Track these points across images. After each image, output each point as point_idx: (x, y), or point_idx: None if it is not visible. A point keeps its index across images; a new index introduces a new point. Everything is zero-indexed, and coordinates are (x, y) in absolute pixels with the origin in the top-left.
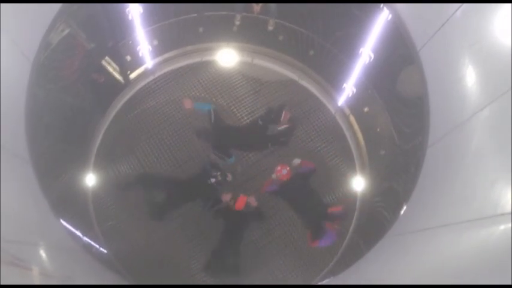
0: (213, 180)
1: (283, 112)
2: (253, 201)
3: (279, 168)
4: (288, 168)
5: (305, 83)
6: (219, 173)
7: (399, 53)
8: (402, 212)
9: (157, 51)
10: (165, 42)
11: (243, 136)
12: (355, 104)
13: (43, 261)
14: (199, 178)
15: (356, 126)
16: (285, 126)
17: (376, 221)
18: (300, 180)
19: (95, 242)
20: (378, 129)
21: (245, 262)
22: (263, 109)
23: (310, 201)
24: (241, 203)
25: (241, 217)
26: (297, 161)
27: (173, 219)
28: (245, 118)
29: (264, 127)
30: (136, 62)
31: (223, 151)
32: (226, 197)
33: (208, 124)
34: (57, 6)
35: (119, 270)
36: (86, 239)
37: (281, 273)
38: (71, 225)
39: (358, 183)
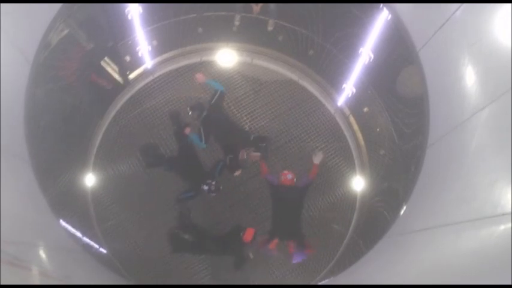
0: (205, 187)
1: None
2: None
3: (286, 171)
4: (293, 176)
5: (305, 83)
6: (213, 182)
7: (399, 53)
8: (402, 212)
9: (157, 51)
10: (164, 43)
11: (228, 132)
12: (355, 104)
13: (43, 261)
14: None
15: (356, 126)
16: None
17: (376, 221)
18: (296, 192)
19: (94, 242)
20: (378, 129)
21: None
22: (290, 113)
23: (292, 216)
24: (248, 235)
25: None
26: (320, 156)
27: (173, 219)
28: (244, 118)
29: (248, 143)
30: (136, 62)
31: (204, 133)
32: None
33: (205, 103)
34: (56, 6)
35: (119, 270)
36: (85, 239)
37: (281, 273)
38: (71, 225)
39: (358, 183)
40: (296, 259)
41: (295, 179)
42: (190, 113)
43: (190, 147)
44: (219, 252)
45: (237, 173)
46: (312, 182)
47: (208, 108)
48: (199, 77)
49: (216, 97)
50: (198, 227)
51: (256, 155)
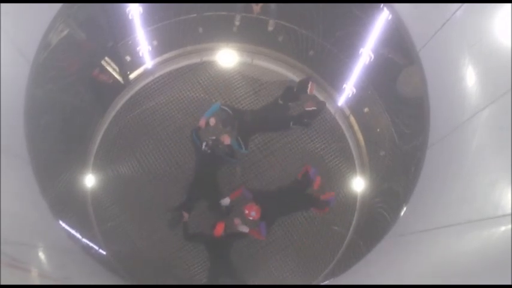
0: (204, 145)
1: (310, 83)
2: (239, 224)
3: (246, 212)
4: (254, 207)
5: None
6: (210, 138)
7: (399, 53)
8: (402, 212)
9: (157, 51)
10: (164, 43)
11: (264, 118)
12: (355, 104)
13: (42, 262)
14: (198, 156)
15: (356, 127)
16: (312, 108)
17: (377, 221)
18: (264, 197)
19: (94, 243)
20: (378, 130)
21: (245, 262)
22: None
23: (289, 196)
24: (219, 229)
25: (220, 241)
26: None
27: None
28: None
29: (285, 106)
30: (136, 62)
31: (245, 139)
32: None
33: (229, 115)
34: (56, 6)
35: (118, 271)
36: (84, 240)
37: (281, 273)
38: (70, 226)
39: (358, 184)
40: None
41: (257, 213)
42: (225, 128)
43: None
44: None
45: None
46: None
47: (237, 116)
48: (202, 122)
49: (227, 109)
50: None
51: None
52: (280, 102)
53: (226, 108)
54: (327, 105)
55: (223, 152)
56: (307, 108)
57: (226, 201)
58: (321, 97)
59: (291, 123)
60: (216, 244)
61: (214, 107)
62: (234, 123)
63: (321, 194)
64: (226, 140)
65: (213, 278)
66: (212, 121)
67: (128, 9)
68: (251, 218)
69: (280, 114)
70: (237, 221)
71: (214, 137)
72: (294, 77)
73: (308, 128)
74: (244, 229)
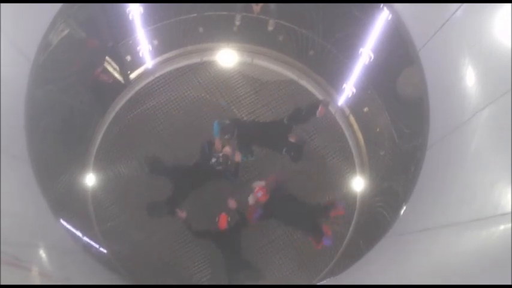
0: (213, 160)
1: (320, 107)
2: (232, 204)
3: (256, 189)
4: (264, 189)
5: (305, 83)
6: (220, 155)
7: (399, 53)
8: (402, 212)
9: (158, 51)
10: (165, 42)
11: (265, 132)
12: (355, 104)
13: (43, 261)
14: (201, 162)
15: (356, 126)
16: (294, 140)
17: (376, 221)
18: (279, 194)
19: (94, 242)
20: (378, 130)
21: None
22: (288, 108)
23: (299, 208)
24: (223, 221)
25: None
26: (258, 183)
27: (173, 220)
28: (245, 118)
29: (288, 127)
30: (137, 62)
31: (246, 147)
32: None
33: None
34: (57, 6)
35: (119, 271)
36: (85, 239)
37: (281, 273)
38: (71, 225)
39: (358, 184)
40: (327, 242)
41: (266, 192)
42: (226, 136)
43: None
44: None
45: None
46: (280, 180)
47: (238, 124)
48: (217, 145)
49: (227, 122)
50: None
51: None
52: (285, 122)
53: (223, 122)
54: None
55: (229, 171)
56: (290, 139)
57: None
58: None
59: (284, 150)
60: (225, 238)
61: (216, 128)
62: (234, 131)
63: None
64: (237, 156)
65: (233, 274)
66: (227, 150)
67: (128, 9)
68: (256, 197)
69: (280, 134)
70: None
71: (221, 154)
72: (294, 76)
73: (295, 162)
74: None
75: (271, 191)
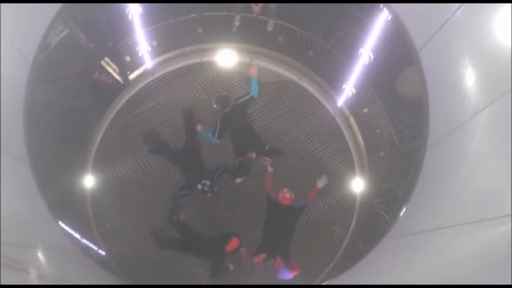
0: (199, 187)
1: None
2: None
3: (286, 190)
4: (292, 195)
5: (304, 83)
6: (208, 183)
7: (399, 53)
8: (402, 213)
9: (157, 51)
10: (164, 43)
11: (244, 135)
12: (355, 105)
13: (41, 263)
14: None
15: (355, 127)
16: (250, 157)
17: (376, 222)
18: (292, 212)
19: (93, 244)
20: (378, 131)
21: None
22: (290, 114)
23: (283, 236)
24: (232, 246)
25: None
26: (324, 181)
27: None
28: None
29: (263, 152)
30: (136, 63)
31: (220, 129)
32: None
33: (231, 99)
34: (56, 6)
35: (117, 272)
36: (84, 241)
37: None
38: (69, 227)
39: (358, 185)
40: (281, 276)
41: (293, 198)
42: (214, 105)
43: (197, 145)
44: (200, 255)
45: (239, 180)
46: (308, 204)
47: (233, 106)
48: (253, 70)
49: (244, 99)
50: (186, 226)
51: (268, 160)
52: (266, 148)
53: (245, 98)
54: (327, 106)
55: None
56: (248, 155)
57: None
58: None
59: (238, 160)
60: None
61: (255, 89)
62: (225, 107)
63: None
64: (199, 128)
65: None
66: (199, 127)
67: (127, 10)
68: (282, 195)
69: (255, 146)
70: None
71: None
72: (294, 77)
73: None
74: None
75: (292, 206)
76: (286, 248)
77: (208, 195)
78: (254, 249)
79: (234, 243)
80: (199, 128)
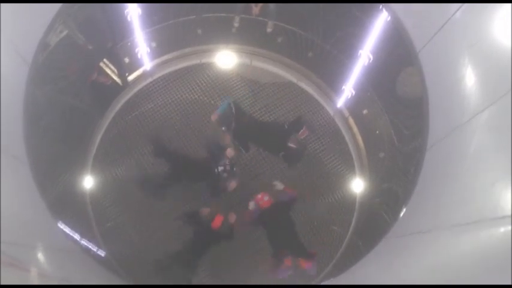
0: (220, 168)
1: (304, 128)
2: (232, 218)
3: (260, 195)
4: (268, 196)
5: (304, 84)
6: (227, 162)
7: (398, 54)
8: (402, 213)
9: (156, 53)
10: (163, 44)
11: (265, 133)
12: (354, 105)
13: (41, 262)
14: (207, 162)
15: (355, 128)
16: (293, 145)
17: (376, 222)
18: (281, 209)
19: (93, 243)
20: (377, 131)
21: (245, 262)
22: (289, 115)
23: (286, 233)
24: (217, 222)
25: (213, 234)
26: (279, 186)
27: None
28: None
29: (288, 132)
30: (135, 64)
31: (242, 142)
32: (205, 211)
33: (230, 113)
34: (55, 7)
35: (118, 272)
36: (84, 240)
37: None
38: (69, 226)
39: (358, 185)
40: (311, 269)
41: (272, 197)
42: (222, 128)
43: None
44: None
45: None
46: (295, 198)
47: (235, 119)
48: (214, 116)
49: (233, 110)
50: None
51: (304, 132)
52: (286, 126)
53: (232, 106)
54: (326, 107)
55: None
56: (290, 144)
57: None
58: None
59: (281, 154)
60: (205, 235)
61: (225, 104)
62: (230, 125)
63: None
64: (229, 153)
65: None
66: (214, 116)
67: (126, 11)
68: (260, 201)
69: (278, 137)
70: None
71: (228, 162)
72: (293, 78)
73: (290, 166)
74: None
75: (275, 203)
76: (297, 241)
77: (225, 175)
78: (276, 259)
79: (218, 219)
80: (229, 153)
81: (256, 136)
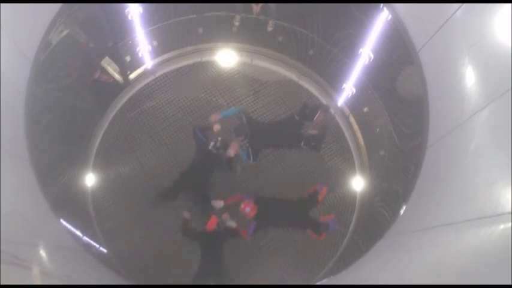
0: (212, 144)
1: (319, 112)
2: (227, 218)
3: (242, 206)
4: (250, 203)
5: (304, 83)
6: (219, 139)
7: (399, 53)
8: (402, 212)
9: (157, 51)
10: (164, 43)
11: (279, 132)
12: (355, 104)
13: (43, 260)
14: (204, 153)
15: (356, 127)
16: (314, 132)
17: (376, 221)
18: (265, 203)
19: (94, 241)
20: (378, 130)
21: (245, 262)
22: (290, 113)
23: (287, 209)
24: (212, 224)
25: (213, 237)
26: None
27: (173, 220)
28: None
29: (300, 123)
30: (136, 63)
31: (256, 151)
32: (186, 214)
33: (242, 123)
34: (56, 6)
35: (119, 270)
36: (85, 238)
37: (280, 272)
38: (71, 225)
39: (358, 183)
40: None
41: (254, 206)
42: (239, 138)
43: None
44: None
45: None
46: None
47: (250, 128)
48: (213, 117)
49: (243, 118)
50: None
51: (321, 114)
52: (297, 118)
53: (242, 116)
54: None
55: (225, 161)
56: (310, 131)
57: (219, 203)
58: (320, 97)
59: (302, 143)
60: (208, 240)
61: (232, 110)
62: (248, 133)
63: (321, 215)
64: (234, 148)
65: (200, 276)
66: (217, 127)
67: (127, 10)
68: (245, 214)
69: (294, 130)
70: (225, 216)
71: (220, 139)
72: (294, 77)
73: (317, 151)
74: (232, 224)
75: (257, 202)
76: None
77: (221, 150)
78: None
79: (212, 221)
80: (234, 148)
81: (272, 138)
